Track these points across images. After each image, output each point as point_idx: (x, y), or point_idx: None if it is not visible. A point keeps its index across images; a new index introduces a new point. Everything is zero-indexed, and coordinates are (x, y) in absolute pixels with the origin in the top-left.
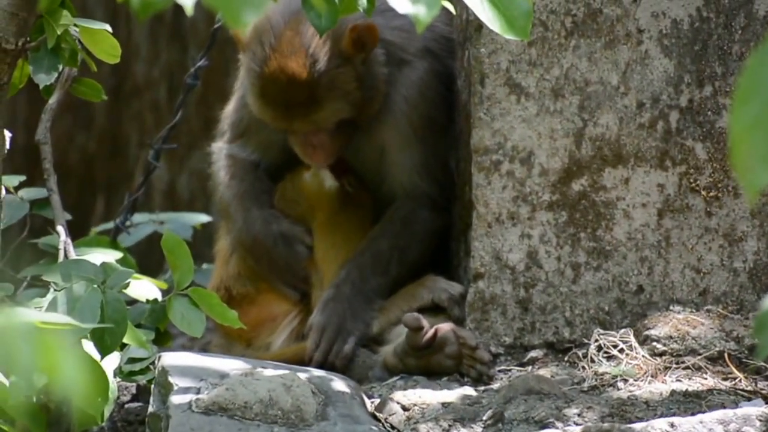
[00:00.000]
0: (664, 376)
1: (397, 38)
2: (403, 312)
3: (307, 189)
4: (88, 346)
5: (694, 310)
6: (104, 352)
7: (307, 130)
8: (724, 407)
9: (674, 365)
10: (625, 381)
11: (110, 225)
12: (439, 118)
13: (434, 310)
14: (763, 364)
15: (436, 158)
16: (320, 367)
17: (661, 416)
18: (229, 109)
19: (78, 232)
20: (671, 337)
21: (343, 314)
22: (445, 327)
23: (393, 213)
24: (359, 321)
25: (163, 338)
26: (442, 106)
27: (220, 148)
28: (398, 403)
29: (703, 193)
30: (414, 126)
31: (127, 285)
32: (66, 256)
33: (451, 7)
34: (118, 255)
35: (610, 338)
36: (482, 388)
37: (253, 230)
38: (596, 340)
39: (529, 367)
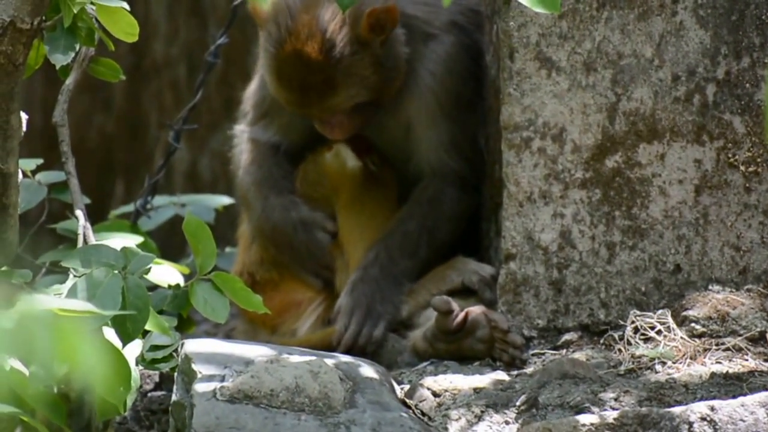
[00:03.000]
0: (704, 358)
1: (420, 12)
2: (432, 295)
3: (329, 170)
4: (110, 334)
5: (733, 290)
6: (126, 339)
7: (325, 113)
8: (766, 389)
9: (714, 347)
10: (663, 364)
11: (130, 208)
12: (467, 94)
13: (465, 292)
14: None
15: (465, 135)
16: (348, 351)
17: (700, 399)
18: (251, 89)
19: (97, 216)
20: (710, 318)
21: (372, 296)
22: (476, 310)
23: (421, 193)
24: (389, 304)
25: (186, 325)
26: (469, 81)
27: (241, 131)
28: (428, 389)
29: (742, 168)
30: (441, 102)
31: (149, 270)
32: (85, 241)
33: None
34: (139, 239)
35: (647, 320)
36: (515, 372)
37: (273, 218)
38: (633, 322)
39: (564, 351)
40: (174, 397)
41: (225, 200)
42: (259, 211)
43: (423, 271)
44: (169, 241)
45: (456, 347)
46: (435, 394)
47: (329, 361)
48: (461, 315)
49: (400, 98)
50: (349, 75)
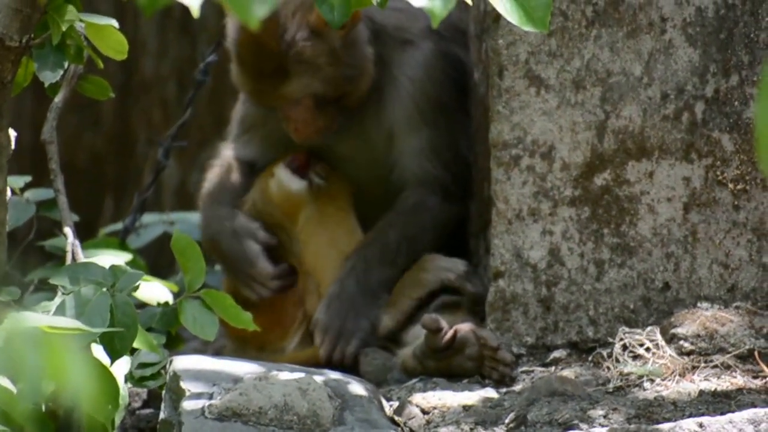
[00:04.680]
0: (692, 375)
1: (394, 19)
2: (412, 300)
3: (275, 198)
4: (98, 351)
5: (722, 307)
6: (114, 356)
7: (280, 104)
8: (755, 406)
9: (702, 364)
10: (652, 381)
11: (119, 226)
12: (448, 101)
13: (452, 307)
14: None
15: (447, 143)
16: (328, 367)
17: (689, 417)
18: (236, 106)
19: (87, 234)
20: (699, 335)
21: (345, 314)
22: (465, 327)
23: (402, 201)
24: (363, 319)
25: (175, 342)
26: (449, 88)
27: (223, 148)
28: (417, 406)
29: (731, 186)
30: (421, 108)
31: (137, 288)
32: (74, 258)
33: (467, 1)
34: (128, 257)
35: (636, 337)
36: (504, 389)
37: (211, 229)
38: (621, 339)
39: (553, 368)
40: (162, 415)
41: None
42: (203, 223)
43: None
44: (159, 259)
45: (446, 365)
46: (424, 412)
47: (318, 379)
48: (450, 333)
49: (381, 106)
50: (301, 62)
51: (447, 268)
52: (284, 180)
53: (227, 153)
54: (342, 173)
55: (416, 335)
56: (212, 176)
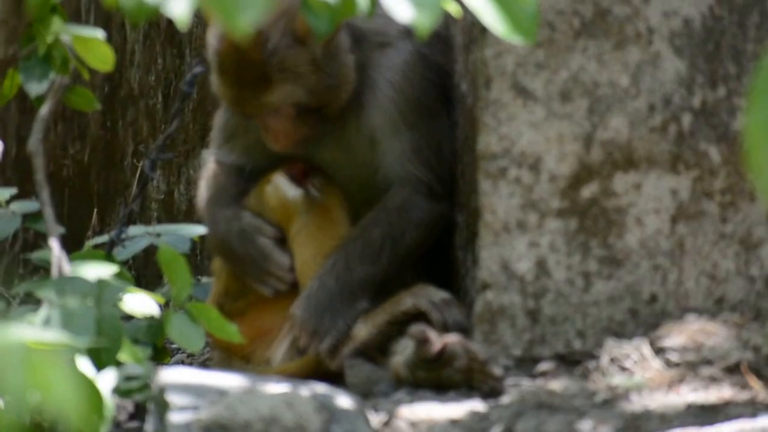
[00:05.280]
0: (680, 387)
1: (371, 24)
2: (388, 315)
3: (271, 204)
4: (84, 364)
5: (709, 319)
6: (100, 369)
7: (263, 113)
8: (742, 419)
9: (690, 376)
10: (639, 393)
11: (105, 238)
12: (427, 102)
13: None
14: None
15: (429, 144)
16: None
17: (676, 429)
18: (219, 113)
19: (73, 246)
20: (686, 348)
21: (322, 312)
22: (453, 340)
23: (387, 200)
24: (340, 319)
25: (162, 354)
26: (429, 90)
27: (209, 155)
28: (405, 418)
29: (718, 197)
30: (401, 111)
31: (123, 300)
32: (60, 271)
33: (454, 12)
34: (114, 269)
35: (623, 349)
36: (491, 402)
37: (219, 231)
38: (609, 352)
39: (540, 380)
40: (148, 428)
41: (201, 230)
42: (210, 227)
43: (387, 281)
44: (145, 271)
45: (435, 376)
46: (411, 424)
47: (305, 391)
48: (439, 344)
49: (360, 111)
50: (284, 70)
51: (427, 294)
52: (281, 187)
53: (214, 158)
54: (338, 187)
55: (404, 345)
56: (208, 182)
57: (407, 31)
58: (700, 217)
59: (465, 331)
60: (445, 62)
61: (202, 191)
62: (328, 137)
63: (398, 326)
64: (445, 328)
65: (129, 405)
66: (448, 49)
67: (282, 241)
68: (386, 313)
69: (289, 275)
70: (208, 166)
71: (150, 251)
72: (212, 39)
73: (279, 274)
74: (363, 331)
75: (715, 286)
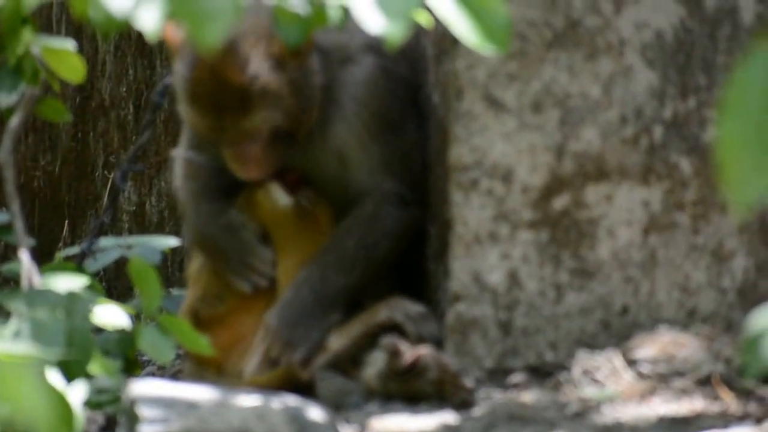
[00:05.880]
0: (652, 399)
1: (333, 39)
2: (362, 327)
3: (261, 209)
4: (54, 376)
5: (681, 331)
6: (70, 381)
7: (240, 139)
8: (714, 431)
9: (662, 388)
10: (611, 405)
11: (76, 250)
12: (394, 116)
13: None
14: (753, 385)
15: (398, 157)
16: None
17: None
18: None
19: (44, 257)
20: (658, 359)
21: (296, 322)
22: (425, 352)
23: (359, 211)
24: (313, 330)
25: (132, 366)
26: (395, 104)
27: (179, 154)
28: (376, 430)
29: (689, 209)
30: (368, 125)
31: (93, 312)
32: (30, 283)
33: (425, 24)
34: (85, 281)
35: (595, 361)
36: (463, 413)
37: (201, 226)
38: (580, 364)
39: (512, 392)
40: None
41: (172, 242)
42: (191, 221)
43: (362, 291)
44: (117, 283)
45: (407, 388)
46: None
47: (276, 404)
48: (411, 356)
49: (326, 128)
50: (265, 95)
51: (402, 307)
52: (273, 193)
53: (185, 157)
54: (327, 202)
55: (376, 357)
56: (188, 177)
57: (369, 45)
58: (672, 228)
59: (439, 344)
60: (410, 75)
61: (183, 187)
62: (296, 156)
63: (372, 338)
64: (419, 342)
65: (100, 418)
66: (415, 62)
67: (265, 239)
68: (361, 324)
69: (271, 270)
70: (181, 164)
71: (121, 263)
72: (182, 67)
73: (261, 268)
74: (337, 342)
75: (686, 298)
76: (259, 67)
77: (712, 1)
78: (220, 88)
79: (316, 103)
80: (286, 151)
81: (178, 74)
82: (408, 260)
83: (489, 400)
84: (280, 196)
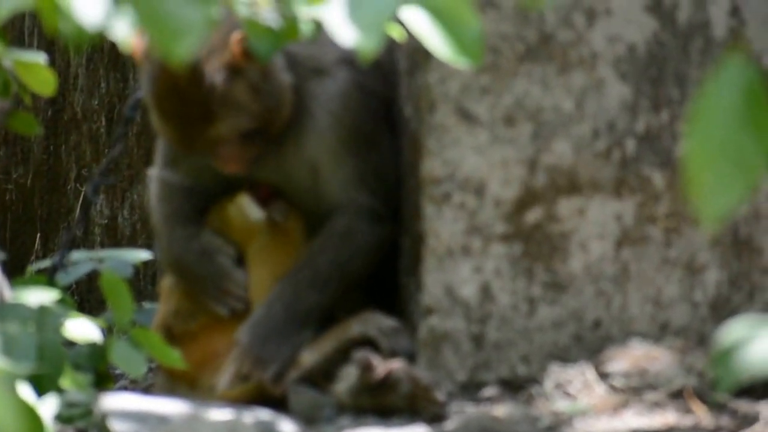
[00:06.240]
0: (624, 413)
1: (304, 49)
2: (335, 342)
3: (233, 222)
4: (25, 390)
5: (654, 344)
6: (41, 395)
7: (211, 146)
8: None
9: (634, 401)
10: (584, 419)
11: (48, 263)
12: (368, 130)
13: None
14: (725, 399)
15: (371, 171)
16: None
17: None
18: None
19: (16, 270)
20: (630, 373)
21: (268, 339)
22: (397, 366)
23: (332, 226)
24: (285, 347)
25: (104, 380)
26: (368, 118)
27: (154, 174)
28: None
29: (662, 222)
30: (342, 140)
31: (64, 326)
32: (1, 296)
33: (398, 37)
34: (56, 295)
35: (567, 375)
36: (436, 427)
37: (176, 250)
38: (553, 377)
39: (484, 406)
40: None
41: (144, 255)
42: (165, 244)
43: (336, 305)
44: (89, 296)
45: (379, 402)
46: None
47: (248, 418)
48: (383, 370)
49: (299, 140)
50: (226, 103)
51: (375, 322)
52: (245, 207)
53: (160, 177)
54: (300, 215)
55: (349, 371)
56: (162, 200)
57: (343, 59)
58: (644, 242)
59: (412, 358)
60: (383, 88)
61: (156, 209)
62: (269, 166)
63: (345, 353)
64: (392, 356)
65: None
66: (388, 75)
67: (241, 261)
68: (333, 339)
69: (246, 294)
70: (156, 185)
71: (93, 276)
72: (146, 81)
73: (237, 293)
74: (309, 357)
75: (659, 312)
76: (216, 77)
77: (684, 14)
78: (181, 102)
79: (287, 101)
80: (262, 145)
81: (144, 87)
82: (381, 273)
83: (461, 413)
84: (252, 210)
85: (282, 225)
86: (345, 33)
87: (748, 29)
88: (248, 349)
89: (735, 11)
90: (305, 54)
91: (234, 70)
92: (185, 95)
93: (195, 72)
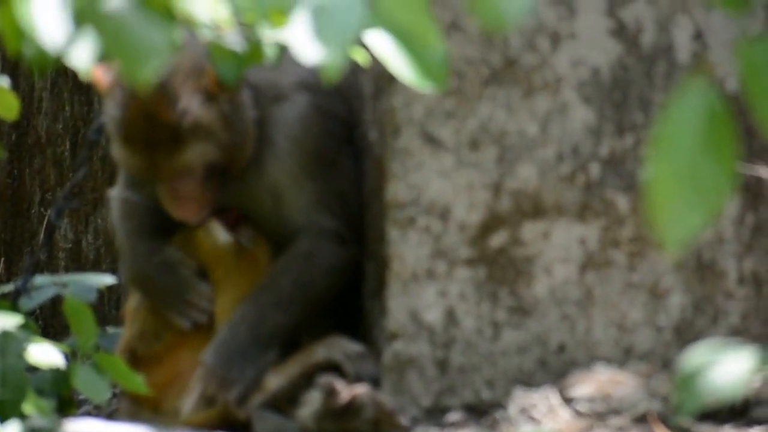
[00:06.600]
0: None
1: (265, 76)
2: (300, 367)
3: (200, 247)
4: None
5: (618, 369)
6: (4, 421)
7: (175, 176)
8: None
9: (598, 426)
10: None
11: (11, 287)
12: (328, 153)
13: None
14: (689, 423)
15: (333, 194)
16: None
17: None
18: None
19: None
20: (595, 397)
21: (232, 361)
22: (362, 390)
23: (294, 248)
24: (249, 368)
25: (67, 406)
26: (328, 139)
27: (115, 194)
28: None
29: (626, 247)
30: (302, 164)
31: (27, 351)
32: None
33: (363, 62)
34: (19, 320)
35: (532, 399)
36: None
37: (138, 264)
38: (517, 402)
39: (449, 430)
40: None
41: (108, 279)
42: (129, 260)
43: (300, 328)
44: (53, 321)
45: (343, 427)
46: None
47: None
48: (347, 395)
49: (260, 166)
50: (197, 130)
51: (341, 346)
52: (212, 231)
53: (121, 196)
54: (266, 240)
55: (313, 396)
56: (125, 217)
57: (303, 83)
58: (609, 266)
59: (377, 383)
60: (346, 112)
61: (120, 226)
62: (231, 192)
63: (310, 377)
64: (357, 380)
65: None
66: (350, 99)
67: (203, 276)
68: (298, 363)
69: (210, 306)
70: (117, 204)
71: (57, 301)
72: (113, 108)
73: (200, 304)
74: (274, 381)
75: (623, 336)
76: (189, 102)
77: (648, 38)
78: (152, 126)
79: (250, 137)
80: (221, 189)
81: (110, 115)
82: (345, 298)
83: None
84: (219, 234)
85: (249, 250)
86: (310, 52)
87: (711, 53)
88: (213, 370)
89: (698, 35)
90: (266, 82)
91: (209, 98)
92: (156, 120)
93: (167, 96)
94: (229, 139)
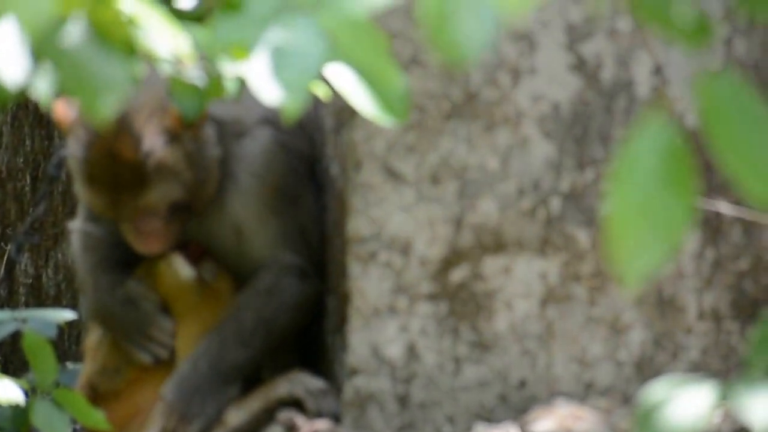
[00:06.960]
0: None
1: (229, 113)
2: (261, 402)
3: (163, 280)
4: None
5: (579, 404)
6: None
7: (139, 215)
8: None
9: None
10: None
11: None
12: (290, 189)
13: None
14: None
15: (295, 229)
16: None
17: None
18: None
19: None
20: None
21: (192, 395)
22: (322, 426)
23: (256, 282)
24: (210, 403)
25: None
26: (291, 177)
27: (75, 227)
28: None
29: (586, 281)
30: (265, 199)
31: None
32: None
33: (323, 97)
34: None
35: None
36: None
37: (100, 298)
38: None
39: None
40: None
41: (68, 315)
42: (91, 294)
43: (259, 364)
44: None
45: None
46: None
47: None
48: (308, 430)
49: (223, 202)
50: (161, 170)
51: (302, 382)
52: (175, 265)
53: (82, 229)
54: (229, 275)
55: (278, 431)
56: (86, 250)
57: (265, 119)
58: (569, 300)
59: (338, 419)
60: (307, 147)
61: (81, 260)
62: (194, 227)
63: (271, 413)
64: (318, 416)
65: None
66: (312, 134)
67: (166, 310)
68: (260, 398)
69: (171, 340)
70: (78, 237)
71: (17, 336)
72: (76, 147)
73: (162, 339)
74: (235, 416)
75: (584, 371)
76: (153, 142)
77: (608, 73)
78: (116, 166)
79: (214, 175)
80: (185, 224)
81: (73, 154)
82: (308, 333)
83: None
84: (182, 268)
85: (212, 284)
86: (269, 92)
87: (670, 89)
88: (173, 405)
89: (658, 70)
90: (229, 117)
91: (173, 137)
92: (119, 159)
93: (131, 136)
94: (194, 178)
